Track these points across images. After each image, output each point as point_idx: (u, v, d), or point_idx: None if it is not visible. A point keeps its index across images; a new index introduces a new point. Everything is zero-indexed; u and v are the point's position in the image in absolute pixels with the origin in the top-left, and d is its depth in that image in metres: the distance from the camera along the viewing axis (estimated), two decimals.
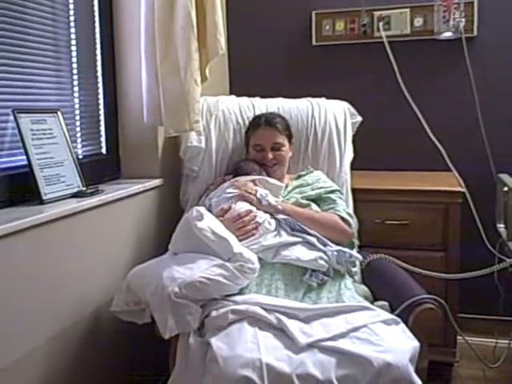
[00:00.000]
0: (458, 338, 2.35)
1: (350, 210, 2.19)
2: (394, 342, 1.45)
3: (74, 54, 1.99)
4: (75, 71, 2.00)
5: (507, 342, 2.34)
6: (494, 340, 2.46)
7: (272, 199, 1.98)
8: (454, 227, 2.33)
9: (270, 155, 2.14)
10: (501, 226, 2.35)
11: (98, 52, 2.13)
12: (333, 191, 2.10)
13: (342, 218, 2.00)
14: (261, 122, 2.17)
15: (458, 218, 2.32)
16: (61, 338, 1.66)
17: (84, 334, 1.77)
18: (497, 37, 2.70)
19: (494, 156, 2.65)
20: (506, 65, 2.70)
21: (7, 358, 1.44)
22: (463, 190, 2.38)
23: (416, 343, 1.48)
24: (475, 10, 2.66)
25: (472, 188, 2.51)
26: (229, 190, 2.03)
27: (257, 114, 2.33)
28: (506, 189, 2.28)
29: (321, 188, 2.10)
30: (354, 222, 2.05)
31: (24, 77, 1.73)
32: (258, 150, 2.16)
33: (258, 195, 1.97)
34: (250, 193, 1.98)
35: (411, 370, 1.39)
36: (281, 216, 1.94)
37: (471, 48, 2.66)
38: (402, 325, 1.56)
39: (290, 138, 2.22)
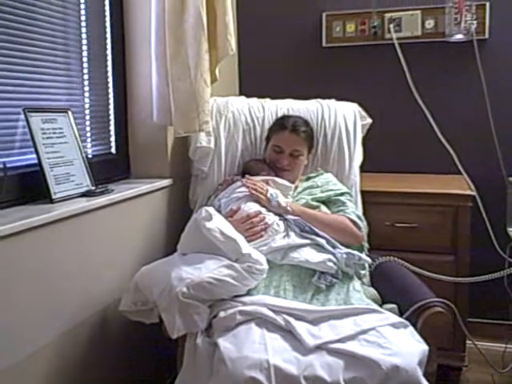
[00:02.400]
0: (467, 342, 2.34)
1: (360, 212, 2.18)
2: (402, 345, 1.44)
3: (84, 53, 2.00)
4: (85, 71, 2.01)
5: None
6: (504, 345, 2.44)
7: (282, 200, 1.98)
8: (463, 230, 2.31)
9: (286, 161, 2.13)
10: (511, 230, 2.33)
11: (109, 52, 2.13)
12: (342, 193, 2.09)
13: (352, 221, 1.99)
14: (288, 126, 2.15)
15: (468, 221, 2.31)
16: (69, 336, 1.66)
17: (92, 332, 1.77)
18: (509, 39, 2.68)
19: (505, 159, 2.63)
20: None
21: (19, 353, 1.45)
22: (473, 193, 2.36)
23: (425, 347, 1.47)
24: (487, 13, 2.65)
25: (482, 191, 2.49)
26: (239, 190, 2.03)
27: (285, 114, 2.32)
28: None
29: (330, 190, 2.10)
30: (363, 225, 2.05)
31: (35, 76, 1.73)
32: (277, 151, 2.15)
33: (268, 194, 1.96)
34: (260, 192, 1.98)
35: (420, 373, 1.38)
36: (290, 217, 1.93)
37: (483, 51, 2.64)
38: (411, 328, 1.56)
39: (310, 148, 2.21)
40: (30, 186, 1.66)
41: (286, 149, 2.13)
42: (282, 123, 2.18)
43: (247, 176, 2.10)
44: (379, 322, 1.54)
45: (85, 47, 2.00)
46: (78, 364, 1.71)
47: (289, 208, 1.96)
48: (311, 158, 2.28)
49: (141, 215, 2.06)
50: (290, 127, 2.14)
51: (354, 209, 2.08)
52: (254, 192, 1.98)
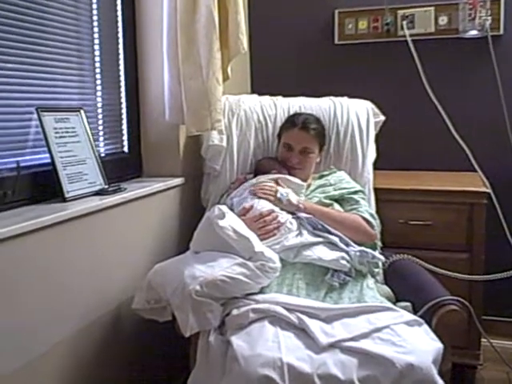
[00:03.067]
0: (482, 340, 2.32)
1: (373, 210, 2.16)
2: (416, 344, 1.43)
3: (96, 53, 2.00)
4: (98, 70, 2.01)
5: None
6: None
7: (294, 198, 1.97)
8: (478, 228, 2.29)
9: (296, 159, 2.12)
10: None
11: (121, 51, 2.14)
12: (356, 192, 2.08)
13: (365, 219, 1.98)
14: (298, 123, 2.14)
15: (482, 218, 2.29)
16: (82, 335, 1.67)
17: (105, 331, 1.78)
18: None
19: None
20: None
21: (32, 353, 1.46)
22: (488, 190, 2.34)
23: (439, 345, 1.46)
24: (502, 8, 2.62)
25: (497, 188, 2.47)
26: (251, 189, 2.03)
27: (296, 111, 2.31)
28: None
29: (344, 188, 2.08)
30: (376, 223, 2.03)
31: (47, 75, 1.74)
32: (287, 149, 2.15)
33: (278, 195, 1.96)
34: (269, 194, 1.97)
35: (434, 371, 1.36)
36: (303, 215, 1.92)
37: (497, 47, 2.61)
38: (425, 326, 1.54)
39: (322, 145, 2.19)
40: (43, 185, 1.67)
41: (295, 146, 2.12)
42: (292, 121, 2.18)
43: (258, 177, 2.09)
44: (393, 319, 1.53)
45: (97, 47, 2.00)
46: (90, 363, 1.71)
47: (301, 205, 1.95)
48: (324, 155, 2.27)
49: (153, 214, 2.06)
50: (299, 124, 2.13)
51: (368, 207, 2.06)
52: (263, 196, 1.97)
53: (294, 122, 2.16)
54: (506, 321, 2.72)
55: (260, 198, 1.97)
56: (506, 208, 2.52)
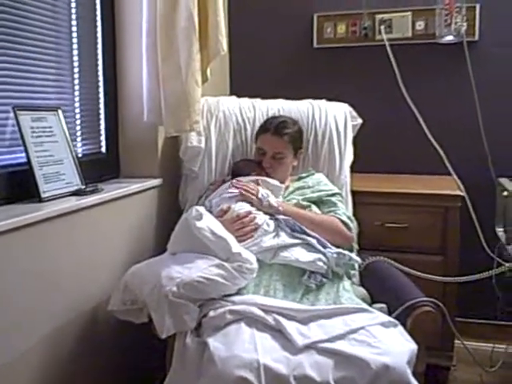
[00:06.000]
0: (456, 341, 2.35)
1: (350, 213, 2.18)
2: (391, 345, 1.44)
3: (75, 52, 1.99)
4: (76, 70, 2.00)
5: (504, 346, 2.34)
6: (491, 344, 2.45)
7: (273, 200, 1.98)
8: (453, 231, 2.33)
9: (268, 163, 2.13)
10: (500, 230, 2.34)
11: (99, 51, 2.12)
12: (333, 194, 2.10)
13: (343, 222, 2.00)
14: (270, 128, 2.14)
15: (457, 221, 2.32)
16: (57, 336, 1.65)
17: (81, 332, 1.77)
18: (498, 41, 2.70)
19: (494, 160, 2.64)
20: (507, 69, 2.70)
21: (5, 354, 1.44)
22: (463, 193, 2.37)
23: (414, 346, 1.48)
24: (477, 14, 2.67)
25: (472, 192, 2.50)
26: (230, 190, 2.03)
27: (273, 115, 2.31)
28: (505, 193, 2.27)
29: (322, 191, 2.10)
30: (353, 226, 2.05)
31: (24, 74, 1.73)
32: (260, 153, 2.16)
33: (259, 195, 1.97)
34: (251, 193, 1.98)
35: (409, 372, 1.38)
36: (281, 217, 1.93)
37: (473, 52, 2.66)
38: (400, 327, 1.56)
39: (297, 149, 2.19)
40: (19, 185, 1.65)
41: (268, 151, 2.14)
42: (266, 125, 2.19)
43: (237, 178, 2.10)
44: (369, 321, 1.54)
45: (75, 46, 1.99)
46: (65, 364, 1.70)
47: (280, 208, 1.96)
48: (301, 157, 2.28)
49: (131, 215, 2.05)
50: (272, 130, 2.13)
51: (345, 210, 2.08)
52: (244, 193, 1.98)
53: (268, 126, 2.16)
54: (479, 322, 2.76)
55: (242, 195, 1.98)
56: (479, 211, 2.56)
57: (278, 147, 2.13)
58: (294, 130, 2.18)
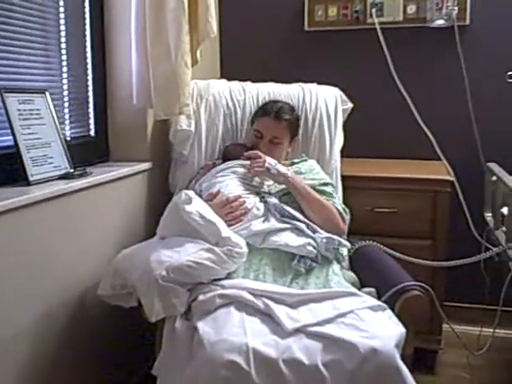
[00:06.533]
0: (444, 325, 2.37)
1: (341, 200, 2.18)
2: (380, 328, 1.45)
3: (62, 34, 1.96)
4: (64, 52, 1.97)
5: (491, 330, 2.36)
6: (479, 328, 2.48)
7: (282, 168, 1.97)
8: (442, 216, 2.34)
9: (265, 147, 2.10)
10: (488, 215, 2.36)
11: (88, 32, 2.10)
12: (326, 184, 2.08)
13: (339, 212, 2.00)
14: (271, 111, 2.13)
15: (446, 206, 2.33)
16: (47, 320, 1.65)
17: (70, 316, 1.76)
18: (489, 26, 2.69)
19: (484, 145, 2.65)
20: (497, 54, 2.70)
21: (3, 333, 1.45)
22: (452, 178, 2.38)
23: (402, 329, 1.49)
24: None
25: (461, 177, 2.52)
26: (220, 174, 2.03)
27: (272, 99, 2.29)
28: (494, 178, 2.29)
29: (314, 179, 2.08)
30: (347, 218, 2.05)
31: (11, 55, 1.70)
32: (257, 136, 2.14)
33: (266, 165, 1.96)
34: (259, 164, 1.96)
35: (397, 355, 1.39)
36: (270, 201, 1.93)
37: (463, 36, 2.65)
38: (389, 311, 1.57)
39: (293, 136, 2.19)
40: (7, 168, 1.64)
41: (266, 135, 2.12)
42: (266, 108, 2.17)
43: (225, 163, 2.08)
44: (357, 305, 1.55)
45: (63, 27, 1.96)
46: (54, 348, 1.70)
47: (289, 174, 1.96)
48: (295, 145, 2.26)
49: (120, 198, 2.04)
50: (272, 113, 2.12)
51: (341, 201, 2.08)
52: (254, 165, 1.96)
53: (268, 110, 2.15)
54: (467, 307, 2.79)
55: (251, 164, 1.97)
56: (468, 196, 2.57)
57: (277, 132, 2.12)
58: (293, 116, 2.18)
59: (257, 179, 2.03)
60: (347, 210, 2.07)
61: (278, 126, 2.12)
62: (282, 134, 2.13)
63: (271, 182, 2.05)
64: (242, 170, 2.03)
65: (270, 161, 1.97)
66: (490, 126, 2.68)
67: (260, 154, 2.00)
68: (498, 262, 2.16)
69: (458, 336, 2.26)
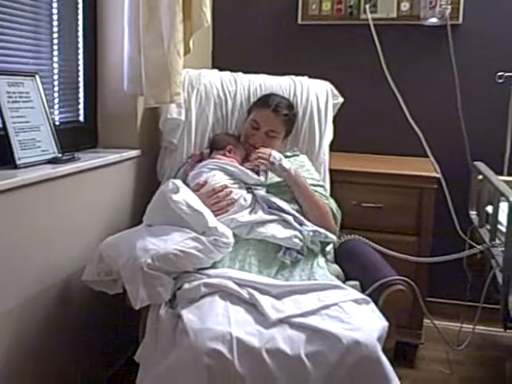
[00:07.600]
0: (425, 320, 2.40)
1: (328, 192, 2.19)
2: (363, 321, 1.47)
3: (54, 16, 1.94)
4: (55, 35, 1.96)
5: (472, 326, 2.39)
6: (459, 324, 2.51)
7: (286, 163, 1.98)
8: (427, 212, 2.36)
9: (260, 139, 2.10)
10: (473, 213, 2.38)
11: (80, 16, 2.08)
12: (319, 185, 2.09)
13: (332, 213, 2.02)
14: (271, 104, 2.12)
15: (432, 203, 2.36)
16: (30, 304, 1.64)
17: (54, 301, 1.76)
18: (482, 25, 2.71)
19: (471, 144, 2.68)
20: (488, 54, 2.72)
21: None
22: (438, 175, 2.41)
23: (385, 323, 1.50)
24: None
25: (447, 174, 2.54)
26: (208, 165, 2.02)
27: (267, 93, 2.28)
28: (480, 177, 2.31)
29: (304, 178, 2.08)
30: (339, 219, 2.06)
31: (1, 37, 1.68)
32: (254, 126, 2.13)
33: (271, 159, 1.96)
34: (263, 157, 1.96)
35: (379, 348, 1.41)
36: (258, 193, 1.94)
37: (456, 35, 2.67)
38: (372, 304, 1.59)
39: (288, 132, 2.20)
40: None
41: (262, 127, 2.12)
42: (267, 101, 2.17)
43: (213, 153, 2.09)
44: (342, 297, 1.57)
45: (55, 10, 1.94)
46: (38, 333, 1.69)
47: (292, 171, 1.97)
48: (287, 143, 2.26)
49: (108, 185, 2.03)
50: (272, 106, 2.12)
51: (335, 204, 2.09)
52: (260, 156, 1.96)
53: (268, 102, 2.15)
54: (449, 303, 2.82)
55: (256, 160, 1.97)
56: (454, 194, 2.60)
57: (274, 125, 2.12)
58: (292, 112, 2.19)
59: (251, 174, 2.02)
60: (339, 212, 2.08)
61: (276, 120, 2.12)
62: (279, 129, 2.13)
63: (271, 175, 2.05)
64: (231, 168, 2.02)
65: (275, 155, 1.98)
66: (478, 125, 2.71)
67: (266, 149, 2.01)
68: (481, 259, 2.19)
69: (439, 331, 2.29)
